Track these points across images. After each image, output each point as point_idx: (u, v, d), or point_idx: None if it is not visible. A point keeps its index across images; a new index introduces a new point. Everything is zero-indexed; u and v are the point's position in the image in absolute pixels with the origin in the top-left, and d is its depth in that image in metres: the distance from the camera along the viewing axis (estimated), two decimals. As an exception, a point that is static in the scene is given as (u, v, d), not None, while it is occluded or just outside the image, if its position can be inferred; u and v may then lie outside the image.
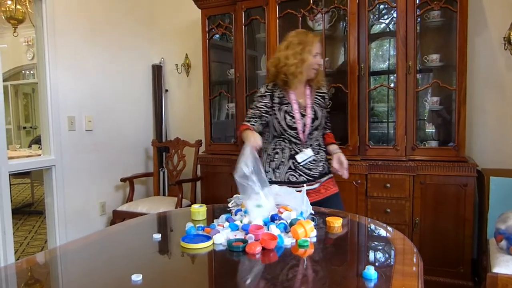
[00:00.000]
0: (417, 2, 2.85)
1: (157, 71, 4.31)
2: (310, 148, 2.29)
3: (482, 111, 3.10)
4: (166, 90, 4.36)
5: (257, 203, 1.69)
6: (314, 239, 1.59)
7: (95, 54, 3.69)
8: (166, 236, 1.79)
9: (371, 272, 1.21)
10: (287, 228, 1.62)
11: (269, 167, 2.33)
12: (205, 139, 3.70)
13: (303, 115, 2.26)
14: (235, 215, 1.80)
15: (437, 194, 2.80)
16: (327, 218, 1.78)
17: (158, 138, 4.28)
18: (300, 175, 2.28)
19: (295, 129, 2.25)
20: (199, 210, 1.89)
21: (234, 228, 1.64)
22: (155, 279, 1.27)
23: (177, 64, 4.23)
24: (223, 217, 1.77)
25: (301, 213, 1.78)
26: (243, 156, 1.83)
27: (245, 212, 1.76)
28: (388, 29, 3.34)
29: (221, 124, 3.91)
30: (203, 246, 1.48)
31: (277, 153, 2.32)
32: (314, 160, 2.30)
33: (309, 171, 2.29)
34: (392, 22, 3.23)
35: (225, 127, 3.90)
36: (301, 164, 2.27)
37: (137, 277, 1.21)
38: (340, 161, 2.27)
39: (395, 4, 2.89)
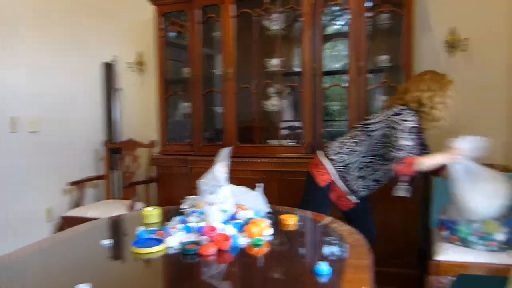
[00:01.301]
0: (368, 5, 2.92)
1: (109, 69, 4.16)
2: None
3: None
4: (119, 89, 4.23)
5: (223, 208, 1.67)
6: (269, 238, 1.59)
7: (41, 50, 3.51)
8: (118, 241, 1.74)
9: (323, 267, 1.23)
10: (243, 227, 1.61)
11: (356, 175, 2.35)
12: (160, 139, 3.62)
13: None
14: (189, 216, 1.76)
15: (385, 188, 2.86)
16: (281, 216, 1.79)
17: (110, 139, 4.14)
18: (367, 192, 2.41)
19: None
20: (152, 213, 1.85)
21: (188, 230, 1.60)
22: (105, 287, 1.22)
23: (130, 62, 4.11)
24: (176, 219, 1.73)
25: (258, 212, 1.77)
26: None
27: (200, 213, 1.73)
28: (341, 30, 3.40)
29: (176, 124, 3.84)
30: (155, 250, 1.44)
31: (370, 169, 2.34)
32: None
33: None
34: (345, 24, 3.29)
35: (180, 127, 3.83)
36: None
37: (85, 287, 1.15)
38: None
39: (347, 6, 2.95)
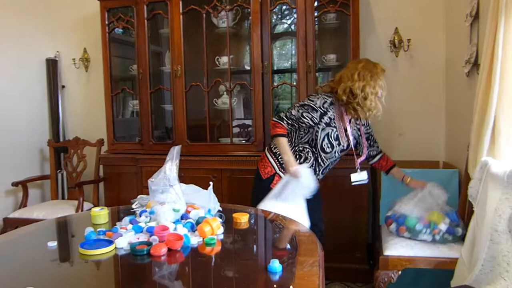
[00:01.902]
0: (315, 4, 2.99)
1: (52, 65, 3.99)
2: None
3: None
4: (63, 86, 4.06)
5: (175, 208, 1.66)
6: (221, 236, 1.61)
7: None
8: (65, 243, 1.69)
9: (275, 265, 1.26)
10: (194, 227, 1.61)
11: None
12: (107, 138, 3.52)
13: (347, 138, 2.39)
14: (140, 216, 1.74)
15: (335, 185, 2.97)
16: (234, 214, 1.80)
17: (54, 137, 3.97)
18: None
19: (327, 153, 2.36)
20: (100, 213, 1.80)
21: (138, 230, 1.59)
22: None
23: (74, 59, 3.96)
24: (126, 219, 1.71)
25: (209, 211, 1.78)
26: None
27: (151, 212, 1.72)
28: (290, 29, 3.47)
29: (125, 122, 3.75)
30: (104, 252, 1.42)
31: (302, 156, 2.38)
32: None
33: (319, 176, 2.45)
34: (294, 23, 3.36)
35: (129, 125, 3.75)
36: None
37: (29, 291, 1.11)
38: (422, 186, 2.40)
39: (294, 5, 3.00)
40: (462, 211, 2.36)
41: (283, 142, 2.32)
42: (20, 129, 3.74)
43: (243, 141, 3.24)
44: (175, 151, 1.82)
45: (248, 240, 1.74)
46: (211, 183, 1.88)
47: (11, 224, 3.31)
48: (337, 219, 2.95)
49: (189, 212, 1.74)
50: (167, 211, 1.64)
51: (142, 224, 1.63)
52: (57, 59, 4.01)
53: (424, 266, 2.13)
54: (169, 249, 1.42)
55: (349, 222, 2.97)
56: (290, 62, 3.54)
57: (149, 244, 1.44)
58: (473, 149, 1.97)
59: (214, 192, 1.87)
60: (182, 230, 1.56)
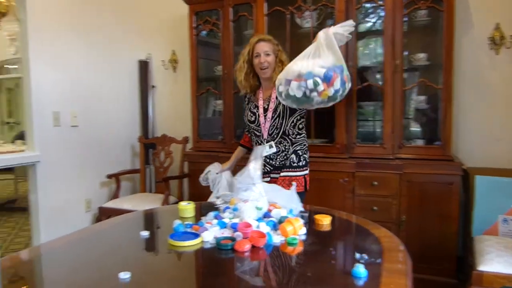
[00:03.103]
0: (404, 1, 2.86)
1: (144, 66, 4.26)
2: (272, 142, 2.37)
3: (468, 110, 3.14)
4: (153, 86, 4.32)
5: (258, 206, 1.69)
6: (303, 237, 1.60)
7: (81, 49, 3.64)
8: (153, 234, 1.78)
9: (360, 270, 1.22)
10: (276, 225, 1.62)
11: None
12: (192, 136, 3.68)
13: (264, 108, 2.38)
14: (224, 212, 1.79)
15: (423, 192, 2.83)
16: (316, 216, 1.78)
17: (144, 134, 4.24)
18: (264, 165, 2.37)
19: (253, 122, 2.41)
20: (187, 207, 1.88)
21: (223, 225, 1.63)
22: (142, 276, 1.26)
23: (164, 60, 4.19)
24: (211, 214, 1.76)
25: (291, 211, 1.78)
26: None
27: (234, 209, 1.75)
28: (374, 28, 3.35)
29: (208, 121, 3.89)
30: (191, 244, 1.47)
31: (254, 146, 2.46)
32: (275, 152, 2.37)
33: (270, 161, 2.38)
34: (379, 21, 3.24)
35: (212, 124, 3.88)
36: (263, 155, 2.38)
37: (125, 275, 1.19)
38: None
39: (382, 3, 2.90)
40: None
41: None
42: (115, 126, 4.04)
43: (325, 143, 3.19)
44: (259, 151, 1.85)
45: (330, 243, 1.70)
46: (294, 183, 1.88)
47: (105, 213, 3.58)
48: (424, 227, 2.81)
49: (271, 211, 1.75)
50: (250, 208, 1.66)
51: (226, 220, 1.67)
52: (148, 60, 4.27)
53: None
54: (252, 246, 1.44)
55: (437, 231, 2.80)
56: (372, 62, 3.42)
57: (233, 239, 1.47)
58: None
59: (296, 192, 1.87)
60: (264, 228, 1.57)
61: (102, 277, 1.27)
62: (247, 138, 2.61)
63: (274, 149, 2.34)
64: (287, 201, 1.84)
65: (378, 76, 3.23)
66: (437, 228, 2.80)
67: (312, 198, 2.96)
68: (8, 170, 5.84)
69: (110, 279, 1.22)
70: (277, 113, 2.33)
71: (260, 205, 1.69)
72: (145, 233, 1.63)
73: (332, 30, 2.05)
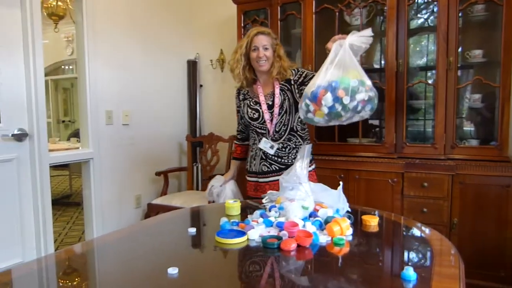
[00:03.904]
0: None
1: (192, 66, 4.35)
2: (278, 139, 2.34)
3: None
4: (201, 85, 4.40)
5: (304, 205, 1.68)
6: (350, 238, 1.57)
7: (133, 50, 3.77)
8: (200, 231, 1.81)
9: (410, 273, 1.18)
10: (323, 225, 1.60)
11: (250, 157, 2.49)
12: (238, 134, 3.71)
13: (268, 105, 2.32)
14: (269, 211, 1.79)
15: (477, 194, 2.70)
16: (363, 217, 1.74)
17: (192, 133, 4.33)
18: (271, 164, 2.36)
19: (256, 119, 2.36)
20: (234, 205, 1.90)
21: (269, 224, 1.63)
22: (190, 272, 1.29)
23: (212, 60, 4.26)
24: (257, 213, 1.77)
25: (337, 211, 1.75)
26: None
27: (280, 208, 1.75)
28: (426, 24, 3.24)
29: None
30: (237, 242, 1.48)
31: (254, 143, 2.45)
32: (283, 147, 2.34)
33: (280, 159, 2.35)
34: (432, 17, 3.13)
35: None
36: (263, 150, 2.36)
37: (173, 270, 1.22)
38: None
39: (436, -1, 2.80)
40: None
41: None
42: (164, 125, 4.15)
43: (373, 142, 3.12)
44: (306, 149, 1.84)
45: (377, 244, 1.66)
46: (341, 183, 1.85)
47: (154, 209, 3.69)
48: (478, 231, 2.69)
49: (317, 210, 1.73)
50: (296, 208, 1.65)
51: (272, 219, 1.67)
52: (196, 60, 4.36)
53: None
54: (298, 245, 1.43)
55: (493, 236, 2.67)
56: (424, 59, 3.30)
57: (279, 238, 1.47)
58: None
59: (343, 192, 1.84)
60: (310, 227, 1.55)
61: (151, 272, 1.30)
62: (239, 150, 2.60)
63: (272, 151, 2.34)
64: (334, 201, 1.81)
65: (429, 73, 3.12)
66: (492, 232, 2.67)
67: (360, 198, 2.93)
68: (64, 166, 6.16)
69: (159, 274, 1.25)
70: (284, 109, 2.31)
71: (306, 204, 1.68)
72: (192, 230, 1.66)
73: (348, 40, 1.95)
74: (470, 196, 2.72)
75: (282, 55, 2.31)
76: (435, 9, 2.91)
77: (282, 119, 2.32)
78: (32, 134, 2.91)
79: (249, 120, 2.40)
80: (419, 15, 3.27)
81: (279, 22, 3.35)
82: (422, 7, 3.25)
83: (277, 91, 2.32)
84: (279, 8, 3.33)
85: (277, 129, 2.33)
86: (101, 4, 3.41)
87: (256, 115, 2.36)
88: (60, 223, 4.78)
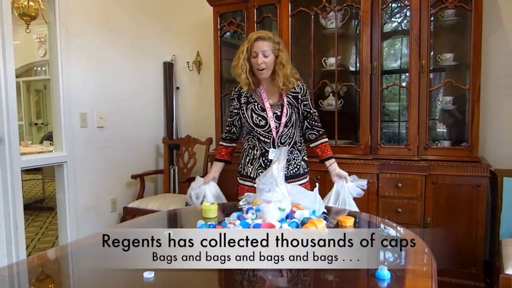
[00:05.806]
0: (431, 0, 2.82)
1: (169, 68, 4.31)
2: (282, 146, 2.27)
3: (496, 111, 3.06)
4: (177, 88, 4.37)
5: (280, 207, 1.68)
6: (326, 238, 1.58)
7: (108, 51, 3.71)
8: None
9: (384, 272, 1.20)
10: (299, 226, 1.61)
11: (244, 160, 2.42)
12: (215, 137, 3.70)
13: (276, 115, 2.27)
14: (246, 213, 1.79)
15: (449, 194, 2.78)
16: (339, 218, 1.76)
17: (169, 135, 4.29)
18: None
19: (262, 127, 2.27)
20: (211, 208, 1.89)
21: (246, 226, 1.63)
22: (167, 276, 1.28)
23: (188, 62, 4.24)
24: (234, 215, 1.77)
25: (314, 212, 1.77)
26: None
27: (257, 210, 1.76)
28: (400, 28, 3.31)
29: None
30: (215, 244, 1.48)
31: (251, 148, 2.37)
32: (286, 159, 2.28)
33: None
34: (405, 21, 3.20)
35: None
36: (267, 159, 2.31)
37: (149, 274, 1.21)
38: (340, 177, 2.25)
39: (408, 3, 2.86)
40: None
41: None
42: (140, 127, 4.10)
43: (348, 144, 3.17)
44: (282, 152, 1.85)
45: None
46: (317, 184, 1.87)
47: (130, 213, 3.64)
48: (449, 229, 2.75)
49: (294, 212, 1.74)
50: (273, 209, 1.66)
51: (249, 221, 1.67)
52: (173, 62, 4.33)
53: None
54: (275, 247, 1.43)
55: (464, 234, 2.74)
56: (398, 62, 3.38)
57: (256, 240, 1.47)
58: None
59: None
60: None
61: (127, 277, 1.29)
62: (223, 152, 2.46)
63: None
64: (310, 202, 1.83)
65: (403, 76, 3.19)
66: (464, 231, 2.75)
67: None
68: (37, 170, 6.01)
69: (135, 279, 1.24)
70: (291, 122, 2.29)
71: (283, 206, 1.69)
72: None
73: (348, 184, 2.20)
74: (443, 196, 2.79)
75: (285, 63, 2.22)
76: (408, 13, 2.98)
77: (289, 132, 2.29)
78: (2, 137, 2.83)
79: (253, 126, 2.29)
80: (393, 19, 3.34)
81: (255, 24, 3.36)
82: (395, 11, 3.32)
83: (285, 103, 2.27)
84: (255, 10, 3.34)
85: (282, 141, 2.29)
86: (74, 4, 3.34)
87: (263, 122, 2.27)
88: (32, 229, 4.66)
